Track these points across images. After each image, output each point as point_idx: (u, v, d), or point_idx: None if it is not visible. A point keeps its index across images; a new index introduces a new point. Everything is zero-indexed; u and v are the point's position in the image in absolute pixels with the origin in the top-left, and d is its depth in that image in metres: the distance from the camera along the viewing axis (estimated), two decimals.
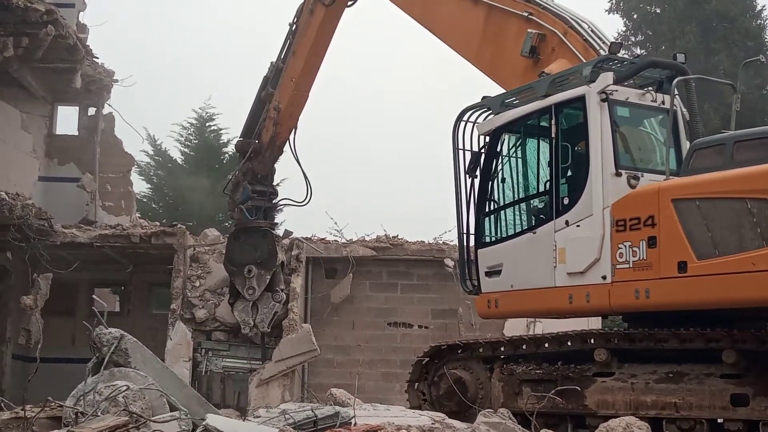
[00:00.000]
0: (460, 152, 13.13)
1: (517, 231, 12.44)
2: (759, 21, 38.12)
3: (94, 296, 19.67)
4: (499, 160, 12.69)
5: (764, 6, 38.25)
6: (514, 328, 19.98)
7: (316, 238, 22.88)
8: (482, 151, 12.91)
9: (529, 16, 13.02)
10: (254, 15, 73.07)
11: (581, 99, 11.53)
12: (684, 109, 12.00)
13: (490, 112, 13.00)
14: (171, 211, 34.69)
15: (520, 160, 12.62)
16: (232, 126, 34.77)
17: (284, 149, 18.98)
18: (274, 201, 19.35)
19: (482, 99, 13.18)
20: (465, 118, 13.18)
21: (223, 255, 19.88)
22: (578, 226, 11.41)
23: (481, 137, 13.01)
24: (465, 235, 13.06)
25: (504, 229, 12.64)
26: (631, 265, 10.81)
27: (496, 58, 13.67)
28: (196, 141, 37.42)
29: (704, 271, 10.12)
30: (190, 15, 77.68)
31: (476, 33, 13.90)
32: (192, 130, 37.58)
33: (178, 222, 24.01)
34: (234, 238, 19.23)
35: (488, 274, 12.60)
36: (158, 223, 25.32)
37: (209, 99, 37.42)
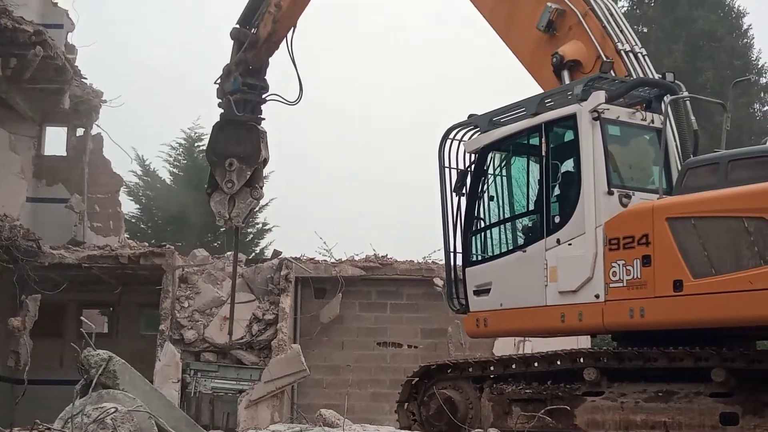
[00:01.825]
0: (447, 170, 13.10)
1: (506, 249, 12.41)
2: (745, 40, 38.45)
3: (82, 317, 19.62)
4: (488, 179, 12.66)
5: (750, 25, 38.64)
6: (504, 347, 19.97)
7: (305, 257, 22.90)
8: (469, 169, 12.88)
9: None
10: None
11: (572, 117, 11.52)
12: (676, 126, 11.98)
13: (478, 130, 12.99)
14: (160, 232, 34.64)
15: (509, 179, 12.61)
16: None
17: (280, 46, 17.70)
18: (263, 96, 18.05)
19: (469, 117, 13.16)
20: (451, 136, 13.16)
21: (206, 145, 18.70)
22: (570, 244, 11.37)
23: (468, 155, 12.97)
24: (452, 254, 13.04)
25: (493, 247, 12.59)
26: (624, 284, 10.77)
27: (510, 19, 13.44)
28: (185, 161, 37.42)
29: (700, 290, 10.09)
30: (190, 32, 77.49)
31: None
32: (181, 150, 37.61)
33: (166, 242, 23.99)
34: (219, 128, 18.10)
35: (477, 292, 12.54)
36: (147, 244, 25.29)
37: (198, 119, 37.44)
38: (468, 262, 12.76)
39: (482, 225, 12.68)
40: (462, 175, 12.91)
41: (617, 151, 11.59)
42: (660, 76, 12.35)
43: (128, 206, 35.17)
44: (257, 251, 35.93)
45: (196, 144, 37.40)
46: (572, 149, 11.54)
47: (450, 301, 13.15)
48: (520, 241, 12.21)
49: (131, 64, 65.29)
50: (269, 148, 18.10)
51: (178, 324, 21.21)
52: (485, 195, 12.66)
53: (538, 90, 12.91)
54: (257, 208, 19.20)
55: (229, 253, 21.62)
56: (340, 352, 22.49)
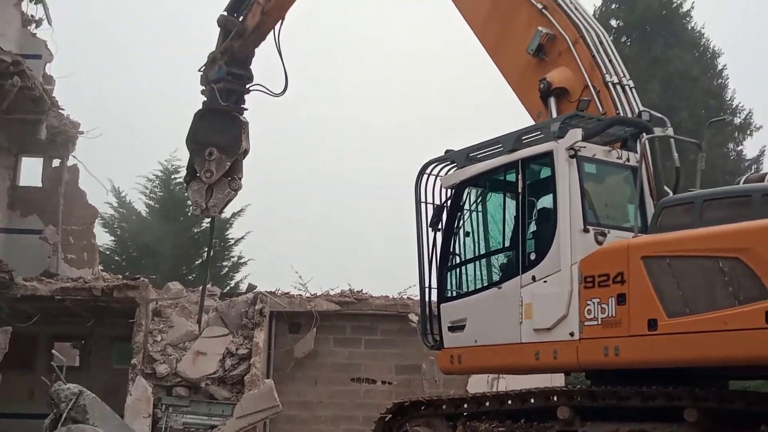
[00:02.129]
0: (423, 205, 13.09)
1: (481, 286, 12.37)
2: (720, 80, 38.79)
3: (53, 351, 19.47)
4: (464, 215, 12.65)
5: (725, 65, 39.01)
6: (478, 384, 19.91)
7: (280, 292, 22.80)
8: (446, 204, 12.87)
9: (543, 10, 12.88)
10: None
11: (549, 155, 11.52)
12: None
13: (455, 165, 12.99)
14: (134, 264, 34.48)
15: (485, 215, 12.60)
16: None
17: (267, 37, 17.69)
18: (248, 86, 18.04)
19: (446, 152, 13.17)
20: (428, 171, 13.16)
21: (187, 133, 18.40)
22: (545, 281, 11.34)
23: (445, 190, 12.97)
24: (427, 290, 12.99)
25: (468, 283, 12.55)
26: (599, 322, 10.73)
27: (501, 39, 13.48)
28: (161, 193, 37.32)
29: (675, 329, 10.06)
30: (168, 64, 77.61)
31: (486, 2, 13.76)
32: (157, 182, 37.51)
33: (140, 275, 23.86)
34: (200, 116, 18.03)
35: (451, 329, 12.48)
36: (121, 276, 25.13)
37: (175, 151, 37.40)
38: (443, 298, 12.72)
39: (458, 261, 12.65)
40: (438, 210, 12.89)
41: (593, 188, 11.60)
42: (638, 112, 12.45)
43: (103, 238, 35.11)
44: (232, 285, 35.82)
45: (172, 176, 37.32)
46: (548, 186, 11.54)
47: (424, 337, 13.10)
48: (496, 278, 12.17)
49: (108, 95, 65.32)
50: (250, 140, 17.94)
51: (151, 358, 21.04)
52: (461, 231, 12.63)
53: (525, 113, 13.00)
54: (233, 213, 18.94)
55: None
56: (313, 388, 22.37)
